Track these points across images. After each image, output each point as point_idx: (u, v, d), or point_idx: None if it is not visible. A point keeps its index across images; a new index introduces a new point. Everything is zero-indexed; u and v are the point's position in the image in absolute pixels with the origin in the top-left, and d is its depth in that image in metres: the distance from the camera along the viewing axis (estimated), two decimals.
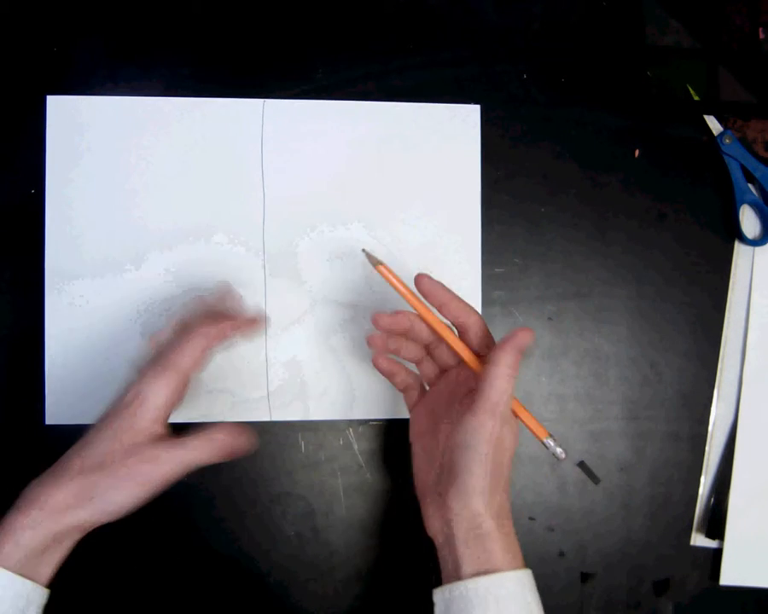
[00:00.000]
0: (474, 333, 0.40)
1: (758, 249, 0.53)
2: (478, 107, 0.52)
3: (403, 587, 0.51)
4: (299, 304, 0.50)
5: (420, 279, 0.40)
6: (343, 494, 0.51)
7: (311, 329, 0.50)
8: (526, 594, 0.36)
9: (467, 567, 0.36)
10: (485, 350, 0.40)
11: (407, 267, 0.51)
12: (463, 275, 0.52)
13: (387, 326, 0.41)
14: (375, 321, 0.40)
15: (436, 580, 0.53)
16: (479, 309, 0.51)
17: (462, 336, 0.41)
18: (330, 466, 0.51)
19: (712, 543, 0.52)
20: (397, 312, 0.41)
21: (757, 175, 0.52)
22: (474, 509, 0.36)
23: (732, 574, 0.52)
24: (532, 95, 0.53)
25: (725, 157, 0.53)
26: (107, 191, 0.49)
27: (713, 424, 0.53)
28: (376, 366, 0.43)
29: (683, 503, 0.53)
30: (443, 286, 0.40)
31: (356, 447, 0.51)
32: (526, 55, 0.53)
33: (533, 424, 0.40)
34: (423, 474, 0.40)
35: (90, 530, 0.38)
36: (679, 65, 0.54)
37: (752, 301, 0.53)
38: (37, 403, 0.49)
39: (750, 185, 0.53)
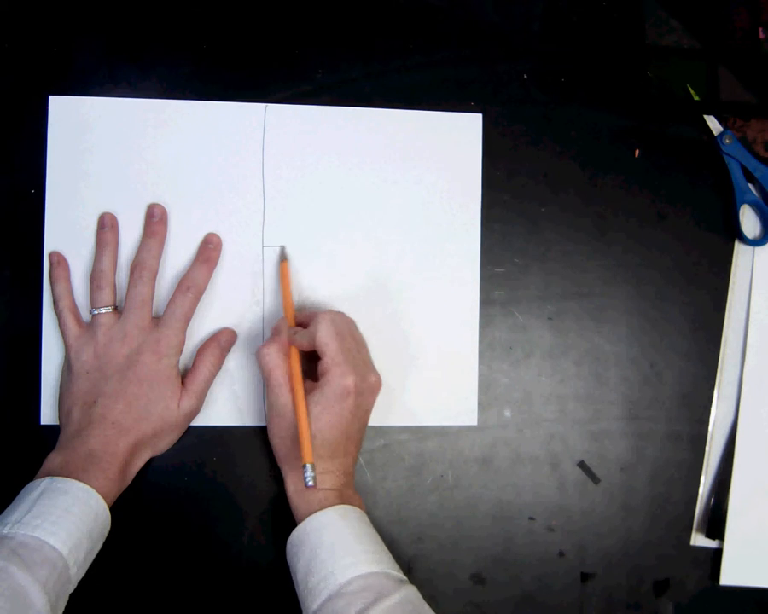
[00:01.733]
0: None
1: (758, 249, 0.53)
2: (480, 115, 0.52)
3: None
4: (298, 309, 0.50)
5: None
6: None
7: None
8: (338, 522, 0.43)
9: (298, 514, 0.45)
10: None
11: (407, 267, 0.51)
12: (463, 275, 0.52)
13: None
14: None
15: (437, 581, 0.53)
16: (477, 309, 0.52)
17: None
18: None
19: (712, 543, 0.52)
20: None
21: (757, 175, 0.53)
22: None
23: (732, 574, 0.52)
24: (532, 95, 0.53)
25: (725, 157, 0.53)
26: (107, 192, 0.49)
27: (713, 424, 0.53)
28: None
29: (683, 503, 0.53)
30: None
31: None
32: (526, 55, 0.53)
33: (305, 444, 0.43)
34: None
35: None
36: (679, 65, 0.54)
37: (752, 301, 0.53)
38: (32, 403, 0.49)
39: (750, 185, 0.53)
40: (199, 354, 0.49)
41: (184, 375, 0.48)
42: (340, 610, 0.39)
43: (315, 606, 0.40)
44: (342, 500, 0.45)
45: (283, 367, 0.45)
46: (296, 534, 0.44)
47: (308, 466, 0.42)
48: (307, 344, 0.45)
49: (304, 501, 0.45)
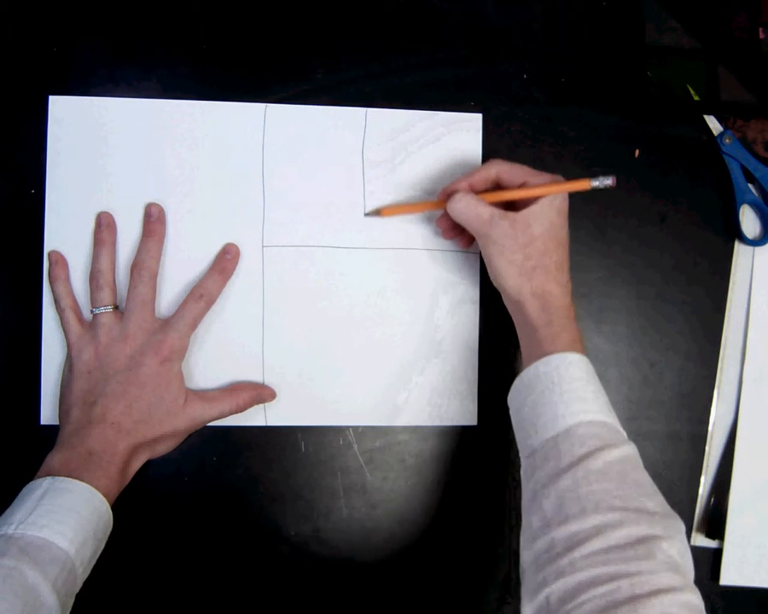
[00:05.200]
0: (504, 175, 0.46)
1: (758, 249, 0.53)
2: (480, 115, 0.52)
3: (403, 588, 0.51)
4: (298, 311, 0.50)
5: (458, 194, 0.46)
6: (343, 494, 0.51)
7: (308, 336, 0.50)
8: (574, 368, 0.41)
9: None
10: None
11: (407, 266, 0.51)
12: (463, 275, 0.52)
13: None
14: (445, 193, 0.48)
15: (437, 582, 0.53)
16: (477, 308, 0.52)
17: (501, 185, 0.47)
18: (330, 466, 0.51)
19: (712, 543, 0.52)
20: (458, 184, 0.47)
21: (757, 175, 0.53)
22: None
23: (732, 574, 0.52)
24: (532, 95, 0.53)
25: (725, 157, 0.53)
26: (107, 192, 0.49)
27: (713, 424, 0.53)
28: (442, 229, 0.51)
29: (683, 503, 0.53)
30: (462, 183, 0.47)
31: (356, 447, 0.51)
32: (526, 55, 0.53)
33: (572, 186, 0.45)
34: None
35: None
36: (679, 65, 0.54)
37: (752, 301, 0.53)
38: (32, 403, 0.49)
39: (750, 185, 0.53)
40: (234, 389, 0.49)
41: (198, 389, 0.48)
42: (565, 449, 0.39)
43: (537, 443, 0.40)
44: (575, 343, 0.43)
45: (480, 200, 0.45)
46: (530, 371, 0.43)
47: (593, 181, 0.45)
48: (486, 176, 0.46)
49: (542, 327, 0.43)
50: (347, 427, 0.51)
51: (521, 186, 0.45)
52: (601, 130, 0.53)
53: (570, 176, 0.53)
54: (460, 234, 0.50)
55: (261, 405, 0.50)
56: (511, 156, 0.52)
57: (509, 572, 0.52)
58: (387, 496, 0.51)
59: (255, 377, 0.50)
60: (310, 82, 0.51)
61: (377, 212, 0.50)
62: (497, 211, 0.44)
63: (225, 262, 0.49)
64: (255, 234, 0.50)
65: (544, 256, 0.44)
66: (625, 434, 0.41)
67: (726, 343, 0.53)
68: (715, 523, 0.52)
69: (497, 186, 0.47)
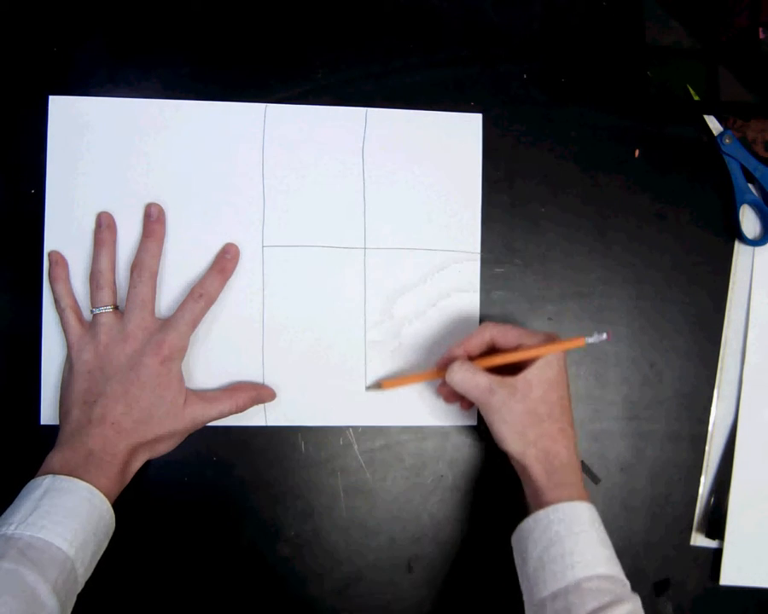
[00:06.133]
0: (499, 338, 0.46)
1: (758, 249, 0.53)
2: (480, 115, 0.52)
3: (403, 588, 0.51)
4: (298, 314, 0.51)
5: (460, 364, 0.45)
6: (343, 494, 0.51)
7: (308, 338, 0.50)
8: (585, 517, 0.42)
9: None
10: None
11: (407, 267, 0.51)
12: (463, 276, 0.52)
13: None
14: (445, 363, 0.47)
15: (437, 582, 0.53)
16: (477, 311, 0.52)
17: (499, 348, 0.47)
18: (330, 466, 0.51)
19: (712, 543, 0.52)
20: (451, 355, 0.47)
21: (757, 175, 0.53)
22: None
23: (732, 574, 0.52)
24: (533, 95, 0.53)
25: (725, 157, 0.53)
26: (107, 192, 0.49)
27: (713, 424, 0.53)
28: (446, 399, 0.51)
29: (683, 503, 0.53)
30: (459, 349, 0.47)
31: (356, 447, 0.51)
32: (526, 55, 0.53)
33: (568, 345, 0.45)
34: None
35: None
36: (679, 65, 0.54)
37: (752, 301, 0.53)
38: (32, 403, 0.49)
39: (750, 185, 0.53)
40: (234, 389, 0.49)
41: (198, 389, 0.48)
42: (574, 603, 0.39)
43: (545, 593, 0.40)
44: (581, 493, 0.44)
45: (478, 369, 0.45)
46: (538, 518, 0.43)
47: (588, 339, 0.44)
48: (481, 341, 0.46)
49: (547, 489, 0.43)
50: (347, 427, 0.51)
51: (517, 348, 0.45)
52: (601, 130, 0.53)
53: (569, 176, 0.53)
54: (461, 399, 0.50)
55: (261, 405, 0.50)
56: (511, 156, 0.52)
57: (508, 573, 0.52)
58: (387, 496, 0.51)
59: (255, 377, 0.50)
60: (310, 82, 0.51)
61: (378, 386, 0.50)
62: (495, 380, 0.44)
63: (225, 262, 0.49)
64: (255, 234, 0.50)
65: (546, 418, 0.44)
66: (629, 584, 0.41)
67: (726, 343, 0.53)
68: (715, 523, 0.52)
69: (493, 348, 0.47)
